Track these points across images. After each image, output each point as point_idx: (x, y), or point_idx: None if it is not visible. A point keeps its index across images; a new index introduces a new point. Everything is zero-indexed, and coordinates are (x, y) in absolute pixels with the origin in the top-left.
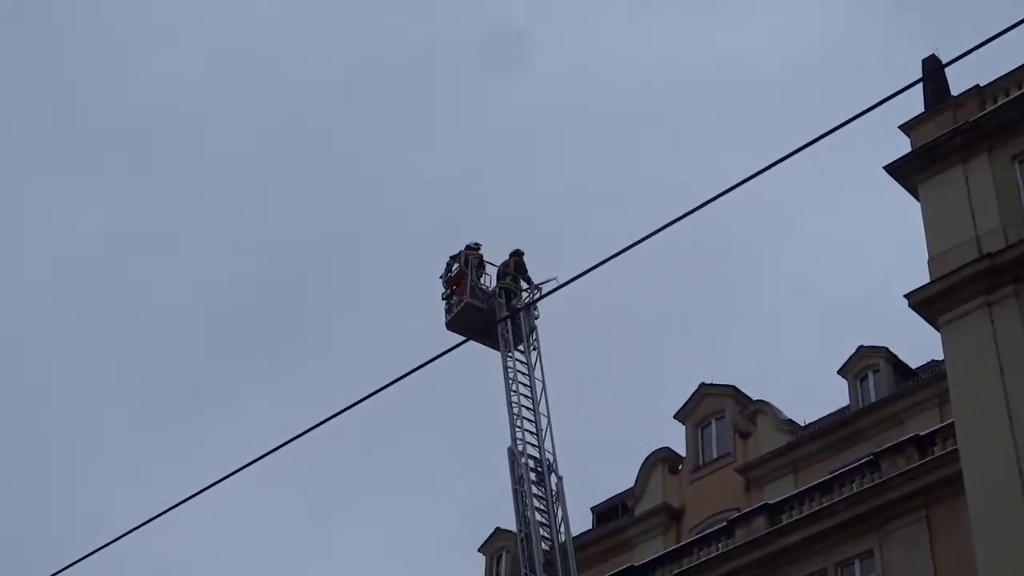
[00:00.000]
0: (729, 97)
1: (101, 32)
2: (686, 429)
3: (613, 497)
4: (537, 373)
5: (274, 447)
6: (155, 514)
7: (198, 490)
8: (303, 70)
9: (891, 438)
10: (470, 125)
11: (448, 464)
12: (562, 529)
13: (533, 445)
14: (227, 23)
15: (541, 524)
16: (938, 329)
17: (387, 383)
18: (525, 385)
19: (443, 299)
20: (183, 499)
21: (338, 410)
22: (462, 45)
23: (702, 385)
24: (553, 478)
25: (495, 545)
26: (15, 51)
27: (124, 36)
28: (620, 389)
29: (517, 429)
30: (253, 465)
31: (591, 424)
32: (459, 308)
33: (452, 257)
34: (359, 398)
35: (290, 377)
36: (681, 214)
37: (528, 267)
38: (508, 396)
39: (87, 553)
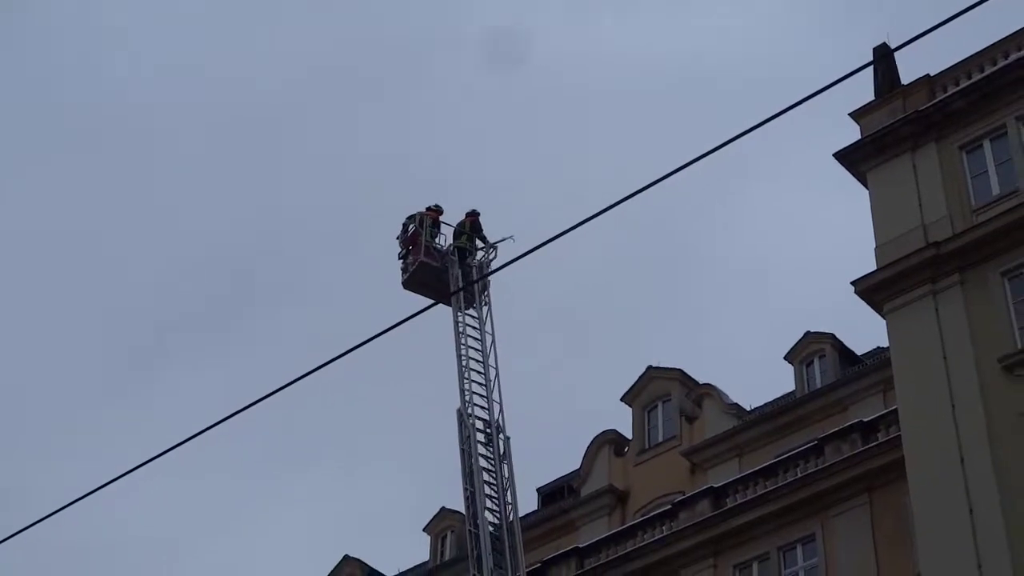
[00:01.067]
0: (700, 90)
1: (47, 24)
2: (633, 411)
3: (559, 479)
4: (488, 327)
5: (213, 422)
6: (95, 487)
7: (129, 469)
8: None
9: (835, 424)
10: (453, 118)
11: (393, 443)
12: (509, 493)
13: (481, 397)
14: (219, 11)
15: (487, 483)
16: (883, 316)
17: (333, 357)
18: (475, 340)
19: (399, 259)
20: (115, 477)
21: (285, 383)
22: (452, 42)
23: (649, 368)
24: (501, 437)
25: (440, 525)
26: None
27: (78, 25)
28: (567, 370)
29: (466, 382)
30: (192, 443)
31: (538, 405)
32: (414, 267)
33: (409, 218)
34: (305, 372)
35: (237, 354)
36: (620, 198)
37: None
38: (458, 353)
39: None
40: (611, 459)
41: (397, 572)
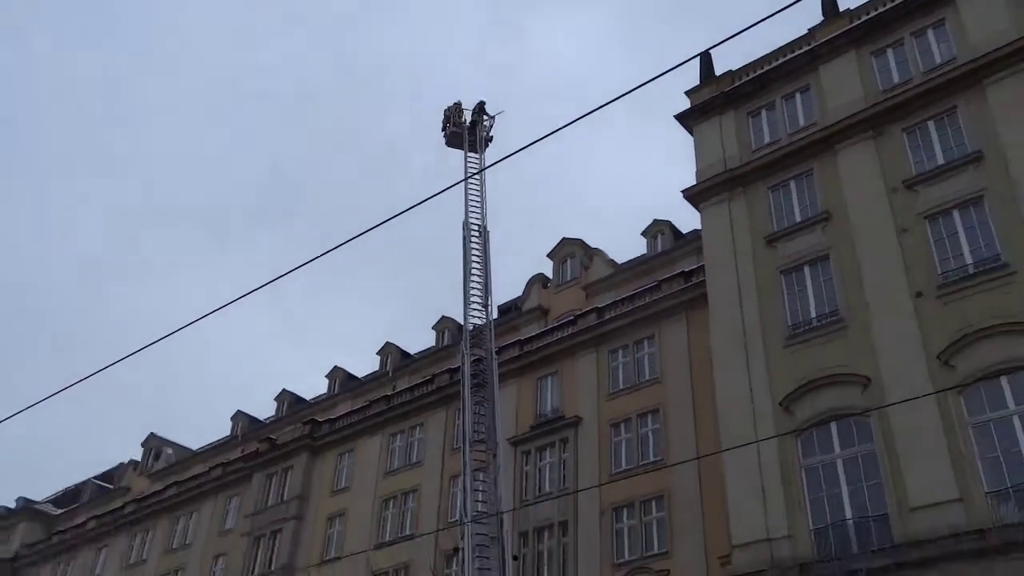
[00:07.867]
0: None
1: None
2: (553, 263)
3: (509, 300)
4: (484, 162)
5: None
6: None
7: None
8: None
9: (669, 272)
10: None
11: None
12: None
13: (475, 208)
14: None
15: (475, 269)
16: (700, 211)
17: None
18: (474, 160)
19: (442, 131)
20: None
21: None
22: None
23: (563, 239)
24: (487, 230)
25: None
26: None
27: None
28: (517, 239)
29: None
30: None
31: (499, 261)
32: (448, 134)
33: (447, 109)
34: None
35: None
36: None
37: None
38: (465, 177)
39: None
40: (540, 290)
41: None
